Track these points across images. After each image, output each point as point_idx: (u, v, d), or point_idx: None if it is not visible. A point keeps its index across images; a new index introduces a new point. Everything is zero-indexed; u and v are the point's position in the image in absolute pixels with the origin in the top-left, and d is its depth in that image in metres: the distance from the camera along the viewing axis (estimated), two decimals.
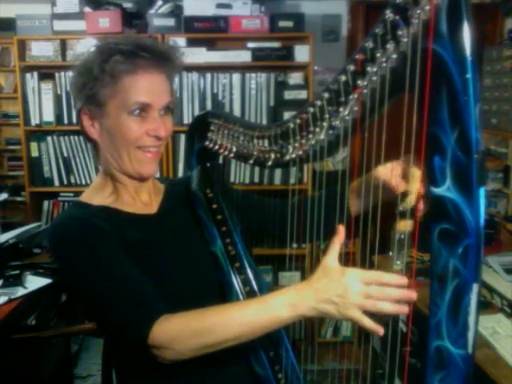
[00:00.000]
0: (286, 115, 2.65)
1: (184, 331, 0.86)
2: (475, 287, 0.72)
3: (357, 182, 1.09)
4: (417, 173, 0.88)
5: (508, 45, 2.75)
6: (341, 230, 0.84)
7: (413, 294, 0.76)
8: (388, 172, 0.97)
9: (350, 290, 0.77)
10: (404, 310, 0.77)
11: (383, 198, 0.88)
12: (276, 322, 0.83)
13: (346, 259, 0.88)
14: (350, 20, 3.27)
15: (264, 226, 1.19)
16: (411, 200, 0.88)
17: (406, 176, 0.93)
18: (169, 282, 1.01)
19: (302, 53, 2.78)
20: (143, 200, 1.08)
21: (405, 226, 0.86)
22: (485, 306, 1.85)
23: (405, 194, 0.89)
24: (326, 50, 3.14)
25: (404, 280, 0.76)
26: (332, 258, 0.82)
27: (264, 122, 2.82)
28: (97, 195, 1.06)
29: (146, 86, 0.97)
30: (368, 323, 0.77)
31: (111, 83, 0.96)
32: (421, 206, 0.84)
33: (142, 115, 0.98)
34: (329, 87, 0.83)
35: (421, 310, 1.39)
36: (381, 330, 0.77)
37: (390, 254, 0.91)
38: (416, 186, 0.88)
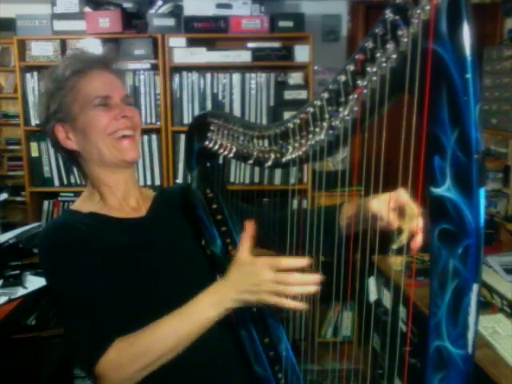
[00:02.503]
0: (286, 115, 2.65)
1: (123, 358, 0.89)
2: (475, 287, 0.72)
3: (351, 208, 1.06)
4: (412, 210, 0.88)
5: (508, 45, 2.76)
6: (248, 226, 0.89)
7: (316, 277, 0.83)
8: (384, 206, 0.95)
9: (262, 278, 0.84)
10: (311, 289, 0.83)
11: (378, 230, 0.91)
12: (206, 322, 0.89)
13: (346, 259, 0.88)
14: (350, 20, 3.26)
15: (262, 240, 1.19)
16: (404, 238, 0.87)
17: (401, 212, 0.92)
18: (158, 284, 1.01)
19: (302, 53, 2.78)
20: (131, 205, 1.10)
21: (400, 262, 0.87)
22: (485, 306, 1.85)
23: (399, 231, 0.88)
24: (325, 50, 3.13)
25: (303, 262, 0.84)
26: (243, 252, 0.89)
27: (264, 122, 2.81)
28: (86, 204, 1.09)
29: (101, 82, 1.06)
30: (287, 303, 0.84)
31: (69, 89, 1.03)
32: (415, 244, 0.86)
33: (105, 106, 1.04)
34: (329, 87, 0.83)
35: (421, 309, 1.39)
36: (302, 305, 0.84)
37: (390, 254, 0.91)
38: (410, 224, 0.88)
